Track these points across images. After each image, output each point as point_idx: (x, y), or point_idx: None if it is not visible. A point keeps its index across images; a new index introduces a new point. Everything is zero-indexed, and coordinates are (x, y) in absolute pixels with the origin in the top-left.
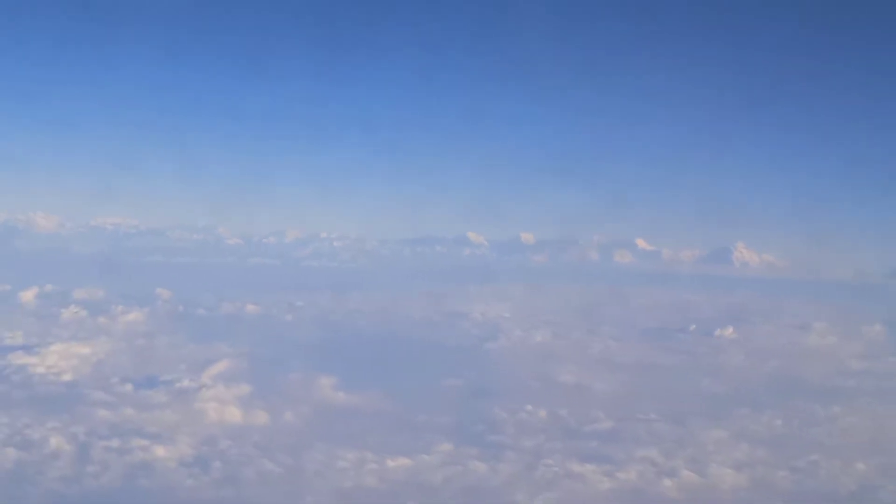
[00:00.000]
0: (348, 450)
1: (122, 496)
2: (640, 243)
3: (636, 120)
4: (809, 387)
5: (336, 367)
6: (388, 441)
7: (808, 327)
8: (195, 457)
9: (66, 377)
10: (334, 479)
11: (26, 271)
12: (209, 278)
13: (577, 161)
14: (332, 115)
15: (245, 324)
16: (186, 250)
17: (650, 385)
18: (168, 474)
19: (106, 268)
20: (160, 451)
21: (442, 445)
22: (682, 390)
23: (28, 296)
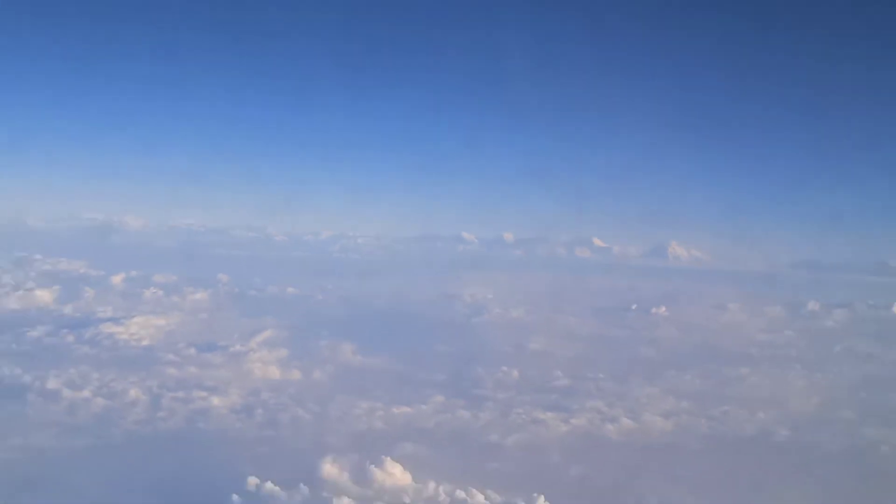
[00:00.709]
0: (363, 400)
1: (184, 436)
2: (597, 241)
3: (598, 139)
4: (723, 353)
5: (356, 336)
6: (394, 394)
7: (725, 307)
8: (242, 405)
9: (145, 343)
10: (351, 423)
11: (117, 260)
12: (259, 267)
13: (548, 174)
14: (358, 140)
15: (286, 302)
16: (242, 245)
17: (600, 351)
18: (221, 419)
19: (179, 258)
20: (215, 400)
21: (436, 398)
22: (624, 356)
23: (117, 279)
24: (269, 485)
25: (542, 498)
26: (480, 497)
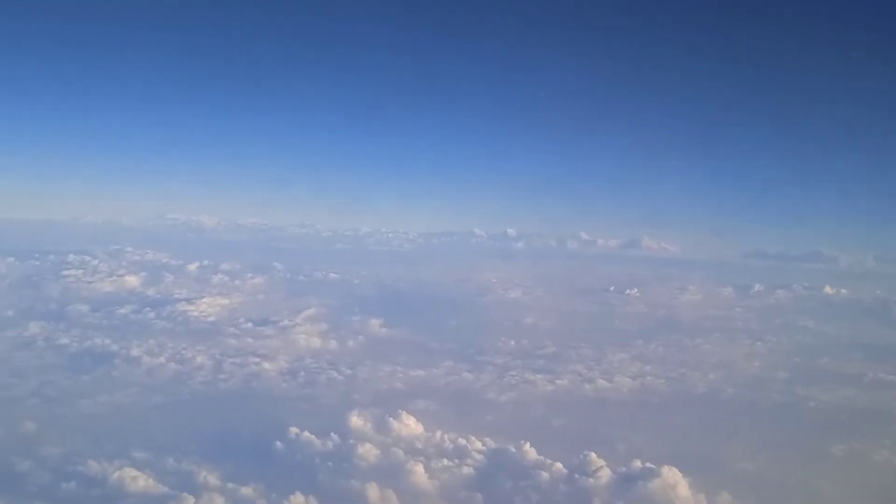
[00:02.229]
0: (386, 365)
1: (240, 394)
2: (584, 235)
3: (587, 146)
4: (682, 326)
5: (383, 312)
6: (412, 359)
7: (686, 289)
8: (288, 369)
9: (211, 318)
10: (375, 383)
11: (193, 252)
12: (308, 257)
13: (546, 177)
14: (392, 152)
15: (328, 285)
16: (295, 240)
17: (581, 324)
18: (270, 380)
19: (243, 250)
20: (266, 365)
21: (446, 363)
22: (601, 328)
23: (192, 267)
24: (306, 434)
25: (528, 444)
26: (478, 443)
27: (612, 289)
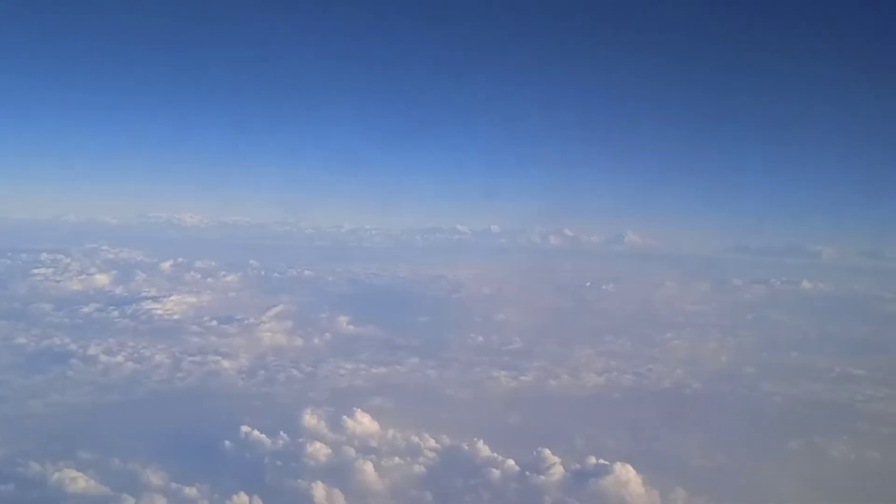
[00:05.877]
0: (348, 362)
1: (196, 393)
2: (567, 231)
3: (571, 142)
4: (655, 322)
5: (352, 309)
6: (375, 357)
7: (663, 284)
8: (248, 367)
9: (176, 317)
10: (335, 380)
11: (170, 250)
12: (286, 254)
13: (528, 177)
14: (379, 147)
15: (301, 283)
16: (276, 237)
17: (553, 320)
18: (228, 378)
19: (222, 248)
20: (226, 363)
21: (411, 360)
22: (573, 324)
23: (166, 265)
24: (256, 432)
25: (481, 441)
26: (432, 441)
27: (588, 284)
